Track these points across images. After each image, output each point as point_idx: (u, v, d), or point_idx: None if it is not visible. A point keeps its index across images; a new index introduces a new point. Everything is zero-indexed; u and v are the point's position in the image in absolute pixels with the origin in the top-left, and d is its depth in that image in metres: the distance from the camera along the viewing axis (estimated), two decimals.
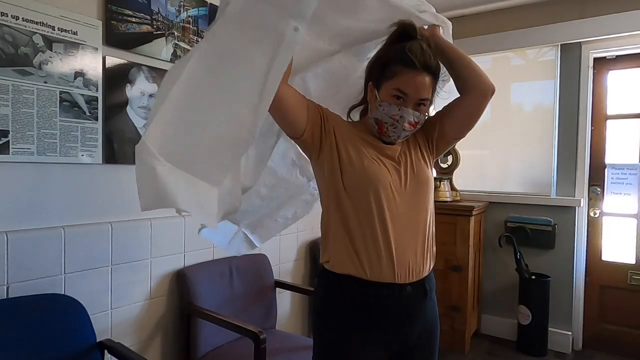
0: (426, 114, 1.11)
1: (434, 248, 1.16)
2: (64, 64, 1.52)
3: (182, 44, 1.93)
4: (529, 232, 3.07)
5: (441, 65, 1.11)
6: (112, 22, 1.66)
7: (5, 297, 1.39)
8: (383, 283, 1.05)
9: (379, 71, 1.09)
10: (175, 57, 1.90)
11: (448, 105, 1.19)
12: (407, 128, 1.08)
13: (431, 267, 1.14)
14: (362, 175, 1.06)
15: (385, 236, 1.04)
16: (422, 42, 1.05)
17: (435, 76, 1.07)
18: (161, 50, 1.84)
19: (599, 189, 3.00)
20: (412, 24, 1.08)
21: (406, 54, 1.03)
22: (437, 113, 1.22)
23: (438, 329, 1.18)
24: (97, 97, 1.63)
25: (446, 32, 1.23)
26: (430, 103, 1.11)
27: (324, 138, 1.09)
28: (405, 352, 1.11)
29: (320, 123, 1.09)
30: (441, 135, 1.19)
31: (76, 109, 1.57)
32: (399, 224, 1.06)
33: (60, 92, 1.52)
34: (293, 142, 1.15)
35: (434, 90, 1.09)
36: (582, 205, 2.96)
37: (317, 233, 2.56)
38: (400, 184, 1.09)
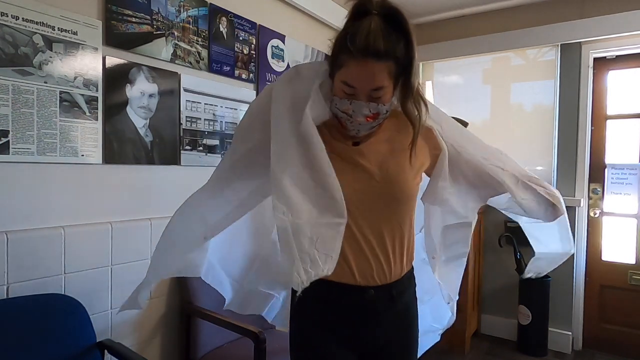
0: (390, 101, 0.97)
1: (410, 252, 1.09)
2: (64, 64, 1.52)
3: (182, 44, 1.93)
4: None
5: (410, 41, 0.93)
6: (112, 22, 1.66)
7: (5, 297, 1.39)
8: (344, 284, 1.02)
9: (331, 60, 0.97)
10: (175, 57, 1.90)
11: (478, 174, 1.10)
12: (364, 122, 0.96)
13: (404, 271, 1.08)
14: None
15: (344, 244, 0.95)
16: (374, 18, 0.89)
17: (391, 58, 0.90)
18: (161, 50, 1.84)
19: (599, 189, 3.00)
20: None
21: (349, 41, 0.89)
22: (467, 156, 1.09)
23: (413, 333, 1.14)
24: (97, 97, 1.63)
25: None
26: (395, 87, 0.96)
27: None
28: (376, 352, 1.09)
29: None
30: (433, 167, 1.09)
31: (76, 109, 1.57)
32: (361, 233, 1.00)
33: (60, 92, 1.52)
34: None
35: (397, 73, 0.93)
36: (582, 205, 2.96)
37: None
38: (364, 197, 0.99)
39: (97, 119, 1.63)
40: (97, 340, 1.53)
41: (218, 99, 2.12)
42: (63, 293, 1.52)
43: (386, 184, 1.00)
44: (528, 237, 1.48)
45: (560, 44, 3.00)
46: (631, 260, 2.89)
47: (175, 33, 1.90)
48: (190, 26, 1.97)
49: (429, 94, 3.63)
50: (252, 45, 2.31)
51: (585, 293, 3.04)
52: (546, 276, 2.97)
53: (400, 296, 1.08)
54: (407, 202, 1.04)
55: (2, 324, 1.32)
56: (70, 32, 1.54)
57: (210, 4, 2.06)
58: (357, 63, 0.90)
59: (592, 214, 3.02)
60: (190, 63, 1.98)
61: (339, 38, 0.94)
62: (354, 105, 0.94)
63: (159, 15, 1.83)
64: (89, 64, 1.59)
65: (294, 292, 0.89)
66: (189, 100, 1.97)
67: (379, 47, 0.88)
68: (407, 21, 0.91)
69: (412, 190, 1.04)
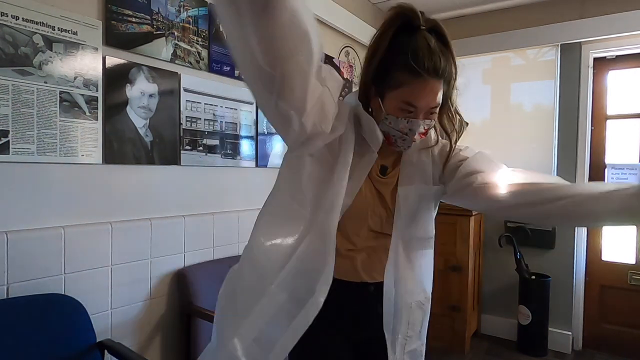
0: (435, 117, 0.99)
1: None
2: (64, 64, 1.52)
3: (182, 44, 1.93)
4: (529, 232, 3.07)
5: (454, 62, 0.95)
6: (112, 22, 1.66)
7: (5, 297, 1.38)
8: (349, 282, 1.05)
9: (381, 78, 0.94)
10: (175, 57, 1.90)
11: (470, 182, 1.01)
12: (418, 139, 0.98)
13: None
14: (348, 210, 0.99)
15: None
16: (427, 35, 0.90)
17: (446, 77, 0.93)
18: (161, 50, 1.84)
19: None
20: (413, 8, 0.92)
21: (411, 60, 0.87)
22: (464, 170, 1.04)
23: None
24: (97, 97, 1.63)
25: None
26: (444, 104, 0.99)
27: None
28: (370, 341, 1.11)
29: None
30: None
31: (76, 109, 1.57)
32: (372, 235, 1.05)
33: (60, 92, 1.52)
34: None
35: (446, 91, 0.96)
36: None
37: None
38: (382, 224, 1.03)
39: (97, 119, 1.63)
40: (97, 340, 1.53)
41: (218, 99, 2.12)
42: (63, 293, 1.52)
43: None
44: None
45: (560, 44, 3.01)
46: (631, 260, 2.89)
47: (175, 33, 1.90)
48: (190, 26, 1.97)
49: None
50: None
51: (585, 293, 3.04)
52: (546, 276, 2.98)
53: None
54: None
55: (2, 324, 1.32)
56: (70, 32, 1.53)
57: (210, 4, 2.06)
58: (422, 83, 0.89)
59: None
60: (190, 63, 1.98)
61: (390, 53, 0.92)
62: (411, 123, 0.94)
63: (159, 15, 1.83)
64: (89, 64, 1.59)
65: None
66: (189, 100, 1.97)
67: (441, 67, 0.89)
68: (448, 36, 0.94)
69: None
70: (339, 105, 0.95)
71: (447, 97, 0.98)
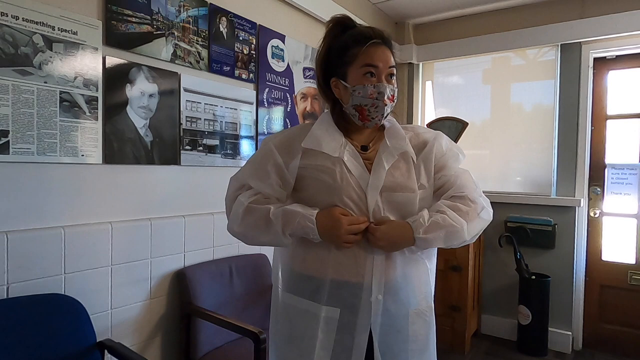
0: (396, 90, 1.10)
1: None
2: (64, 64, 1.52)
3: (182, 44, 1.93)
4: (529, 232, 3.07)
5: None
6: (112, 22, 1.66)
7: (5, 297, 1.38)
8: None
9: (338, 61, 1.08)
10: (175, 57, 1.90)
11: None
12: (388, 103, 1.06)
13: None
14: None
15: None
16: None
17: (391, 46, 1.08)
18: (161, 50, 1.84)
19: (599, 189, 3.00)
20: (345, 15, 1.11)
21: (359, 34, 1.05)
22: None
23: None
24: (97, 97, 1.63)
25: None
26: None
27: None
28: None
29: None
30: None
31: (76, 109, 1.57)
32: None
33: (60, 92, 1.52)
34: None
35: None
36: (582, 205, 2.96)
37: None
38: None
39: (97, 119, 1.63)
40: (97, 340, 1.53)
41: (218, 99, 2.12)
42: (63, 293, 1.52)
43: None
44: None
45: (560, 44, 3.01)
46: (631, 260, 2.89)
47: (175, 33, 1.90)
48: (190, 26, 1.97)
49: (428, 94, 3.64)
50: (252, 45, 2.31)
51: (585, 293, 3.04)
52: (546, 276, 2.98)
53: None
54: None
55: (2, 324, 1.32)
56: (70, 32, 1.53)
57: (210, 4, 2.06)
58: (373, 45, 1.04)
59: (592, 214, 3.02)
60: (190, 63, 1.98)
61: (344, 39, 1.08)
62: (378, 87, 1.04)
63: (159, 15, 1.83)
64: (89, 63, 1.59)
65: None
66: (189, 100, 1.97)
67: (386, 35, 1.07)
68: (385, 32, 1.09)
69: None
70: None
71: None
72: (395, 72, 1.07)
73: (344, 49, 1.06)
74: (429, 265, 1.13)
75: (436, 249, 1.12)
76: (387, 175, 1.05)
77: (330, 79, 1.10)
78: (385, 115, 1.08)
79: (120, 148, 1.71)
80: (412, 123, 3.52)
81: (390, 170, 1.06)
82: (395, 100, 1.08)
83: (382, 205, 1.04)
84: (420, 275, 1.11)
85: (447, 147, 1.14)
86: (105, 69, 1.65)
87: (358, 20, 1.15)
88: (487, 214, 1.11)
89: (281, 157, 1.07)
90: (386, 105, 1.05)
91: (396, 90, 1.08)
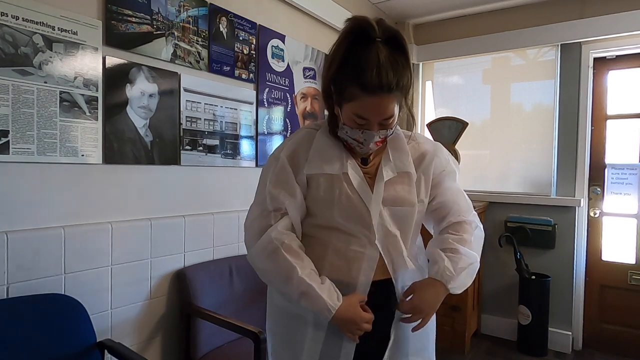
0: (396, 124, 1.04)
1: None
2: (64, 64, 1.52)
3: (182, 44, 1.93)
4: (529, 232, 3.07)
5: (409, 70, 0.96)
6: (112, 22, 1.66)
7: (5, 297, 1.38)
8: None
9: (337, 91, 0.99)
10: (175, 57, 1.90)
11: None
12: (374, 147, 1.03)
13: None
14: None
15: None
16: (380, 47, 0.91)
17: (400, 88, 0.94)
18: (161, 50, 1.84)
19: (599, 189, 3.00)
20: (368, 20, 0.95)
21: (361, 76, 0.91)
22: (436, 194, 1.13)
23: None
24: (97, 97, 1.63)
25: None
26: (400, 109, 1.01)
27: None
28: (367, 335, 1.12)
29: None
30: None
31: (76, 109, 1.57)
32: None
33: (60, 92, 1.52)
34: None
35: (401, 101, 0.99)
36: (582, 205, 2.96)
37: None
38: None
39: (97, 119, 1.63)
40: (97, 340, 1.53)
41: (218, 99, 2.12)
42: (63, 293, 1.52)
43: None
44: None
45: (560, 44, 3.01)
46: (631, 260, 2.89)
47: (175, 33, 1.90)
48: (190, 26, 1.97)
49: (428, 94, 3.64)
50: (252, 45, 2.31)
51: (585, 293, 3.04)
52: (546, 276, 2.98)
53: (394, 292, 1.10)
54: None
55: (2, 324, 1.32)
56: (70, 32, 1.53)
57: (210, 4, 2.06)
58: (370, 98, 0.93)
59: (592, 214, 3.02)
60: (190, 63, 1.98)
61: (344, 66, 0.94)
62: (366, 134, 0.99)
63: (159, 15, 1.83)
64: (89, 64, 1.59)
65: None
66: (189, 100, 1.97)
67: (391, 81, 0.91)
68: (406, 44, 0.96)
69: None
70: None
71: (401, 105, 1.00)
72: (394, 117, 0.98)
73: (345, 82, 0.95)
74: (426, 268, 1.14)
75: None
76: (389, 190, 1.05)
77: (335, 85, 1.01)
78: (372, 151, 1.06)
79: (120, 148, 1.71)
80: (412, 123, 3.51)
81: (392, 185, 1.05)
82: (389, 136, 1.05)
83: (386, 219, 1.04)
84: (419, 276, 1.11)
85: (446, 163, 1.14)
86: (105, 69, 1.65)
87: None
88: (481, 231, 1.13)
89: (292, 169, 1.05)
90: (371, 148, 1.03)
91: (388, 131, 1.01)
